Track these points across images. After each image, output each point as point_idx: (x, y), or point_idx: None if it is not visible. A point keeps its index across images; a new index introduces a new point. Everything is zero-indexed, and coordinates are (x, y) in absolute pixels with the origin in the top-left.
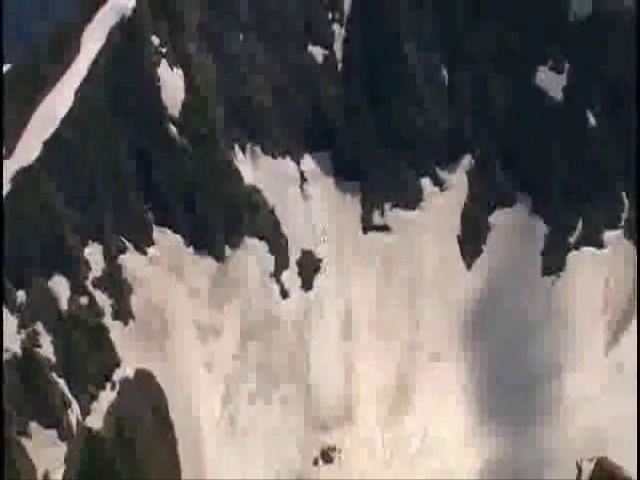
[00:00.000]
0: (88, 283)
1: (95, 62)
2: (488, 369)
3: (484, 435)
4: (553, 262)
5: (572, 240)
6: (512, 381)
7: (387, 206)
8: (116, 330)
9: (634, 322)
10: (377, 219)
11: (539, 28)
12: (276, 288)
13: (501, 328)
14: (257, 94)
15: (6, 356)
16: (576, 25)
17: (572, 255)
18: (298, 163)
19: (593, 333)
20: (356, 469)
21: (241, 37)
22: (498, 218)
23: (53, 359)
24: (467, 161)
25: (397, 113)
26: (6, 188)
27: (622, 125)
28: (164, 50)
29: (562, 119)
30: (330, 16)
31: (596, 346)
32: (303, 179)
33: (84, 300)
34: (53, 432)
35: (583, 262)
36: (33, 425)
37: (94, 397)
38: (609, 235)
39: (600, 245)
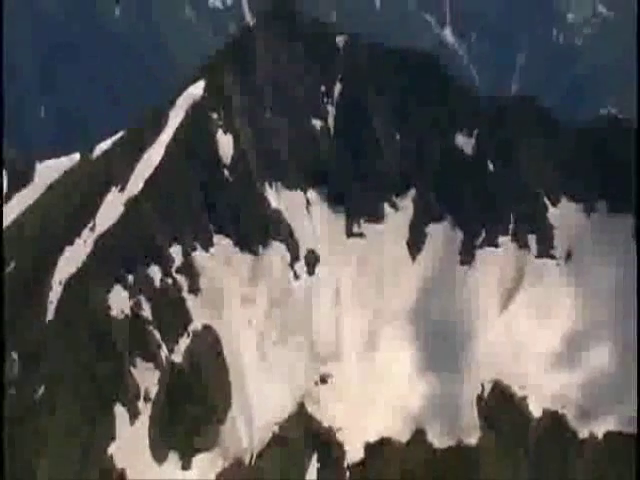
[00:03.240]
0: (172, 270)
1: (177, 129)
2: (429, 328)
3: (428, 375)
4: (466, 257)
5: (478, 242)
6: (445, 338)
7: (362, 221)
8: (190, 300)
9: (518, 295)
10: (355, 229)
11: (456, 110)
12: (291, 273)
13: (434, 301)
14: (279, 150)
15: (121, 316)
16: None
17: (478, 252)
18: (305, 193)
19: (491, 301)
20: (342, 388)
21: (268, 114)
22: (432, 229)
23: (150, 318)
24: (412, 192)
25: (368, 163)
26: (120, 210)
27: (512, 172)
28: (220, 122)
29: (471, 166)
30: (325, 100)
31: (493, 307)
32: (308, 204)
33: (170, 281)
34: (151, 364)
35: (485, 256)
36: (138, 360)
37: (176, 342)
38: (501, 239)
39: (496, 245)
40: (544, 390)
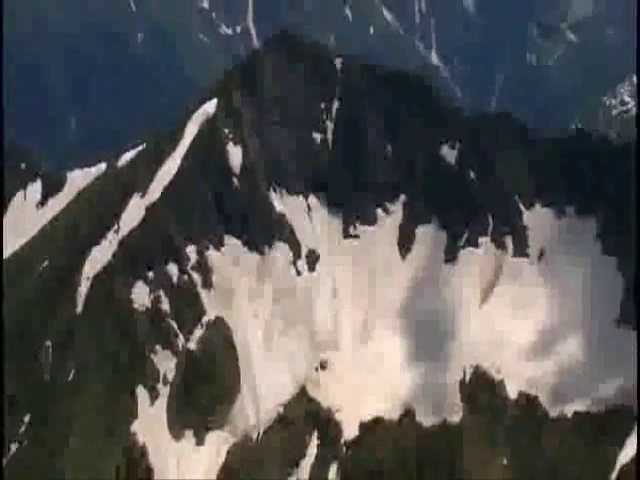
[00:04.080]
0: (188, 268)
1: (192, 142)
2: (417, 320)
3: (416, 362)
4: (450, 256)
5: (461, 243)
6: (431, 329)
7: (357, 223)
8: (204, 294)
9: (496, 290)
10: (351, 231)
11: (441, 125)
12: (294, 270)
13: (422, 296)
14: (283, 160)
15: (142, 309)
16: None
17: (461, 252)
18: (306, 199)
19: (472, 296)
20: (339, 373)
21: (273, 128)
22: (420, 231)
23: (168, 310)
24: (402, 198)
25: (362, 172)
26: (142, 214)
27: (491, 180)
28: (230, 136)
29: (455, 175)
30: (325, 115)
31: (474, 301)
32: (309, 208)
33: (185, 277)
34: (169, 352)
35: (467, 255)
36: (157, 347)
37: (191, 332)
38: (481, 240)
39: (477, 246)
40: (519, 375)
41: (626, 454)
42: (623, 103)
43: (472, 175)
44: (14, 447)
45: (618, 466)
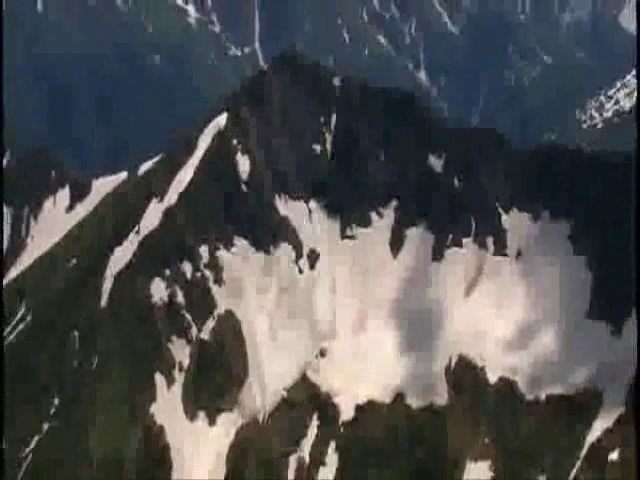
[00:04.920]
0: (201, 265)
1: (205, 152)
2: (407, 313)
3: (406, 351)
4: (437, 255)
5: (447, 243)
6: (420, 321)
7: (353, 226)
8: (215, 289)
9: (478, 286)
10: (348, 232)
11: (429, 137)
12: (296, 268)
13: (411, 291)
14: (287, 168)
15: (160, 302)
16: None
17: (447, 251)
18: (307, 203)
19: (457, 291)
20: (337, 360)
21: (277, 140)
22: (409, 232)
23: (183, 303)
24: (394, 202)
25: (358, 179)
26: (159, 217)
27: (473, 186)
28: (239, 146)
29: (441, 182)
30: (324, 128)
31: (459, 296)
32: (310, 212)
33: (199, 274)
34: (184, 341)
35: (452, 255)
36: (173, 337)
37: (204, 323)
38: (465, 240)
39: (461, 246)
40: (499, 363)
41: (594, 433)
42: (592, 118)
43: (457, 182)
44: (46, 426)
45: (587, 444)
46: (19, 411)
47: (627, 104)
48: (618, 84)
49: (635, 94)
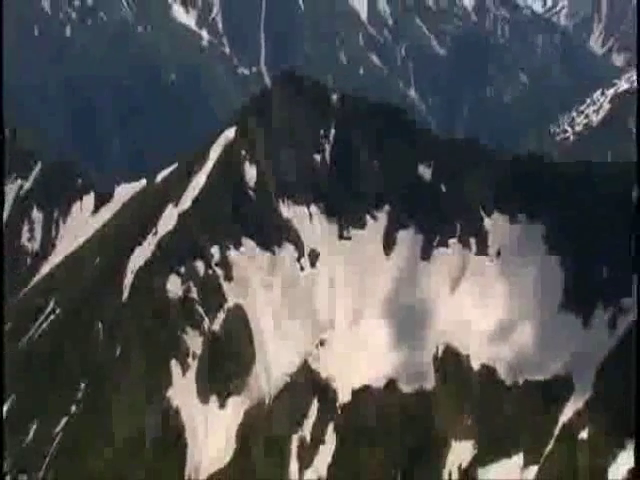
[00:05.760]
0: (212, 264)
1: (216, 162)
2: (398, 307)
3: (398, 341)
4: (425, 254)
5: (434, 244)
6: (410, 314)
7: (350, 228)
8: (225, 285)
9: (462, 283)
10: (345, 234)
11: (419, 148)
12: (298, 266)
13: (402, 287)
14: (289, 176)
15: (175, 297)
16: (438, 144)
17: (434, 251)
18: (308, 207)
19: (443, 287)
20: (335, 349)
21: (281, 150)
22: (401, 234)
23: (197, 298)
24: (387, 207)
25: (354, 186)
26: (175, 220)
27: (458, 193)
28: (247, 156)
29: (429, 189)
30: (323, 140)
31: (445, 292)
32: (311, 215)
33: (210, 271)
34: (197, 332)
35: (439, 254)
36: (188, 328)
37: (215, 316)
38: (451, 241)
39: (447, 246)
40: (481, 352)
41: (566, 414)
42: (564, 131)
43: (443, 189)
44: (73, 408)
45: (560, 424)
46: (50, 394)
47: (595, 119)
48: (587, 101)
49: (603, 109)
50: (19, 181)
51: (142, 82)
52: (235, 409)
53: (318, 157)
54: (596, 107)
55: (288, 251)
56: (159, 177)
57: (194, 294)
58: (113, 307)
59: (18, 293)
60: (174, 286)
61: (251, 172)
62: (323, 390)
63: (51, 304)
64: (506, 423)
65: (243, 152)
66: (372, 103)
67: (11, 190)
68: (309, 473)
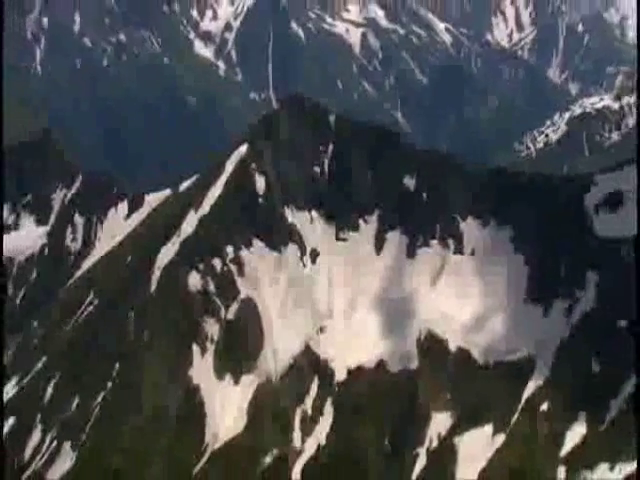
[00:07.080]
0: (227, 261)
1: (231, 174)
2: (387, 300)
3: (387, 329)
4: (410, 253)
5: (418, 244)
6: (397, 306)
7: (345, 230)
8: (238, 280)
9: (442, 278)
10: (341, 235)
11: (404, 162)
12: (301, 264)
13: (391, 283)
14: (294, 186)
15: (195, 290)
16: (422, 159)
17: (418, 250)
18: (310, 213)
19: (425, 283)
20: (333, 335)
21: (286, 164)
22: (389, 235)
23: (214, 291)
24: (377, 212)
25: (349, 194)
26: (195, 224)
27: (439, 200)
28: (257, 169)
29: (413, 197)
30: (322, 155)
31: (426, 283)
32: (312, 219)
33: (226, 268)
34: (214, 320)
35: (422, 253)
36: (206, 317)
37: (229, 306)
38: (432, 242)
39: (429, 246)
40: (458, 338)
41: (529, 390)
42: (527, 148)
43: (425, 197)
44: (109, 384)
45: (524, 398)
46: (89, 373)
47: (554, 137)
48: (547, 122)
49: (560, 130)
50: (64, 191)
51: (167, 105)
52: (247, 386)
53: (318, 169)
54: (555, 128)
55: (292, 251)
56: (182, 187)
57: (212, 287)
58: (143, 298)
59: (63, 287)
60: (195, 280)
61: (260, 182)
62: (322, 370)
63: (90, 296)
64: (479, 398)
65: (254, 165)
66: (364, 123)
67: (57, 198)
68: (310, 440)
